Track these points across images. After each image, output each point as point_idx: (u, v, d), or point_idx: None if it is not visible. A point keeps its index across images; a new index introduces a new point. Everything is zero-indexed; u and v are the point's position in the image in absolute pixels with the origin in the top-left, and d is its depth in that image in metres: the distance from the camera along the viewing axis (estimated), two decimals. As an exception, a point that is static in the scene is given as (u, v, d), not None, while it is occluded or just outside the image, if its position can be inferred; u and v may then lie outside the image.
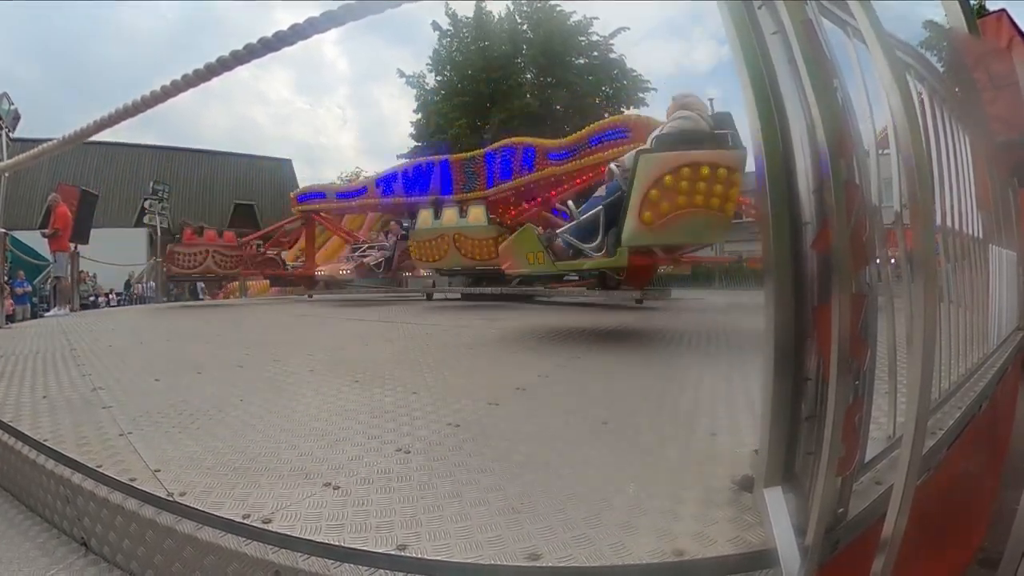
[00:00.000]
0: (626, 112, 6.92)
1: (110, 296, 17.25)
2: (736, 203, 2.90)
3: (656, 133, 3.01)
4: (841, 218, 0.78)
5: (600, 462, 1.23)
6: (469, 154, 8.97)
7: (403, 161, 11.58)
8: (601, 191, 3.20)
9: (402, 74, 18.81)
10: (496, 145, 8.57)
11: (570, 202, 3.69)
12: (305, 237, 10.82)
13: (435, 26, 18.32)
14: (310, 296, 9.62)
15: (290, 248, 11.94)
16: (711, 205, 2.67)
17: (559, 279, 7.19)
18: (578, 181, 7.65)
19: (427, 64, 18.72)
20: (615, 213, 2.88)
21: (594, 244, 3.02)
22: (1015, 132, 3.08)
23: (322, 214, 10.47)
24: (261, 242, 10.41)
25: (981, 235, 2.16)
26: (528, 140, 8.25)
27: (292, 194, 10.94)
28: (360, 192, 10.23)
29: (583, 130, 7.57)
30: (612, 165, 3.27)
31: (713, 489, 1.05)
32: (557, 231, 3.24)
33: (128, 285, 17.61)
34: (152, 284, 16.22)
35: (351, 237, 10.29)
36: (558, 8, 17.67)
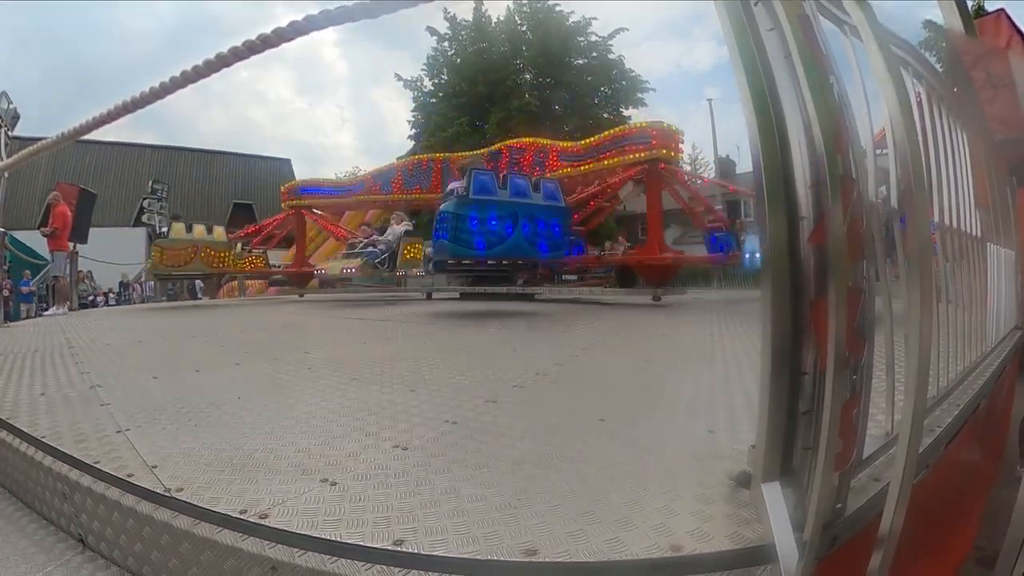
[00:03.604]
0: (648, 121, 7.57)
1: (108, 295, 17.21)
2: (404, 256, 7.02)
3: (402, 229, 7.16)
4: (837, 213, 0.78)
5: (597, 458, 1.23)
6: (469, 153, 9.28)
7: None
8: (388, 236, 7.17)
9: (399, 78, 18.78)
10: (499, 145, 8.92)
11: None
12: (296, 235, 10.31)
13: (432, 31, 18.28)
14: (301, 295, 9.32)
15: (289, 247, 11.25)
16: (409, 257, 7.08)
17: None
18: (592, 186, 7.64)
19: (423, 68, 18.70)
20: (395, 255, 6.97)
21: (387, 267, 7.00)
22: (1013, 131, 3.08)
23: (315, 211, 10.13)
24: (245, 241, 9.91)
25: (979, 234, 2.16)
26: (540, 140, 8.41)
27: (283, 187, 10.61)
28: (357, 188, 10.17)
29: (604, 133, 7.61)
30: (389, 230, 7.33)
31: (710, 485, 1.05)
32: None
33: (124, 285, 17.52)
34: (151, 284, 16.19)
35: (350, 235, 9.75)
36: (557, 8, 17.68)
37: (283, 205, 10.35)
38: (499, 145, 9.15)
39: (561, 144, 8.23)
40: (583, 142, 7.84)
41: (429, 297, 8.45)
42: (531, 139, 8.65)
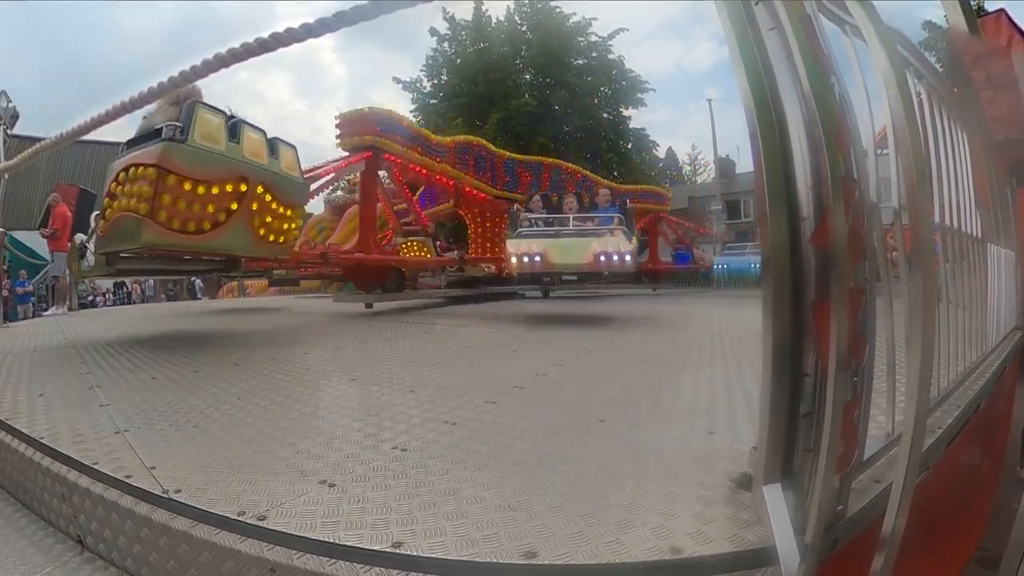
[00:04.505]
0: (661, 187, 12.77)
1: (108, 295, 17.21)
2: (163, 200, 2.54)
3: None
4: (839, 213, 0.77)
5: (597, 459, 1.23)
6: (512, 155, 9.94)
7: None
8: None
9: (398, 80, 18.75)
10: (544, 159, 10.33)
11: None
12: (363, 196, 5.68)
13: (433, 31, 18.29)
14: (369, 306, 5.39)
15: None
16: (130, 207, 2.49)
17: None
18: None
19: (422, 70, 18.69)
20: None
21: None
22: (1013, 131, 3.08)
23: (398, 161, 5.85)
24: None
25: (980, 234, 2.16)
26: (585, 171, 10.52)
27: (340, 115, 5.71)
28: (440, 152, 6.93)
29: (639, 187, 11.64)
30: None
31: (711, 487, 1.05)
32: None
33: (121, 285, 17.45)
34: (151, 283, 16.22)
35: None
36: (557, 9, 17.68)
37: (340, 144, 5.69)
38: (543, 159, 10.17)
39: (605, 181, 10.61)
40: (623, 185, 11.15)
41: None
42: (576, 167, 10.47)
